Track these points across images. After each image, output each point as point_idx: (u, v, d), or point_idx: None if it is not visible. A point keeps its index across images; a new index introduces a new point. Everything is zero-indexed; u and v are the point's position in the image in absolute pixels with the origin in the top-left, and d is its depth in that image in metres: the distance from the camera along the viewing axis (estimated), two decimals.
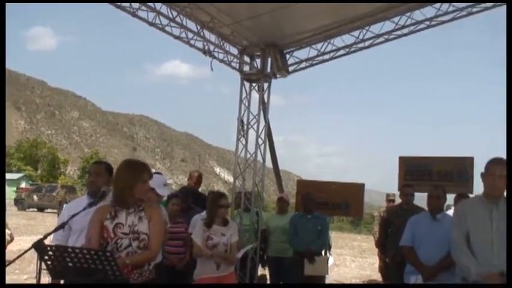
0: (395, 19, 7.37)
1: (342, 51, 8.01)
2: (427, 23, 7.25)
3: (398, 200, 7.79)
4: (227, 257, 5.39)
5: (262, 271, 8.17)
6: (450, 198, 6.35)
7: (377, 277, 11.29)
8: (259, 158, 8.13)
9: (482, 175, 3.97)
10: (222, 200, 5.54)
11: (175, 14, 6.84)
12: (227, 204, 5.57)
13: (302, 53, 8.29)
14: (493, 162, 3.90)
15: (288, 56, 8.20)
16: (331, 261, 8.41)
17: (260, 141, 8.10)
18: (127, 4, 6.44)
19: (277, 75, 8.16)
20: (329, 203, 8.35)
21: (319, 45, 8.04)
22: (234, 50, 7.98)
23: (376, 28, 7.60)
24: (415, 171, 8.12)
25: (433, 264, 5.05)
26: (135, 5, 6.50)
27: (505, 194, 3.92)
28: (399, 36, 7.54)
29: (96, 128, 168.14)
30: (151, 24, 6.76)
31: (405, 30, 7.43)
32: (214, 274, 5.35)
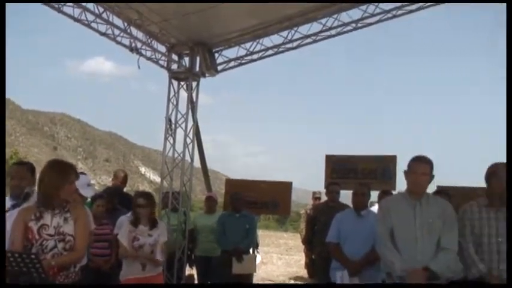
0: (323, 20, 7.51)
1: (270, 51, 8.08)
2: (354, 25, 7.45)
3: (324, 198, 7.96)
4: (151, 258, 5.32)
5: (190, 271, 8.13)
6: (374, 195, 6.55)
7: (303, 273, 11.50)
8: (187, 157, 8.07)
9: (405, 173, 4.08)
10: (138, 200, 5.48)
11: (101, 10, 6.69)
12: (143, 203, 5.43)
13: (231, 52, 8.31)
14: (415, 160, 4.03)
15: (216, 55, 8.19)
16: (258, 259, 8.48)
17: (188, 141, 8.04)
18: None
19: (206, 74, 8.13)
20: (257, 202, 8.43)
21: (248, 45, 8.08)
22: (162, 48, 7.88)
23: (304, 29, 7.73)
24: (341, 169, 8.33)
25: (358, 259, 5.20)
26: None
27: (427, 190, 4.08)
28: (327, 37, 7.70)
29: (16, 127, 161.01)
30: (76, 20, 6.56)
31: (333, 32, 7.59)
32: (140, 275, 5.30)
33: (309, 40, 7.81)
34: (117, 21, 6.95)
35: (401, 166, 5.04)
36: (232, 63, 8.35)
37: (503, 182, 3.97)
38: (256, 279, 9.01)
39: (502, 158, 4.16)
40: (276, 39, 7.93)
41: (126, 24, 7.03)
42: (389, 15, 7.25)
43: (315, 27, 7.65)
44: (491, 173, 4.09)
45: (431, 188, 4.50)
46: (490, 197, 4.07)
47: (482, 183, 4.22)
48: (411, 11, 7.20)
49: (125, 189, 7.72)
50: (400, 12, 7.20)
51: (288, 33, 7.79)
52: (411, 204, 3.98)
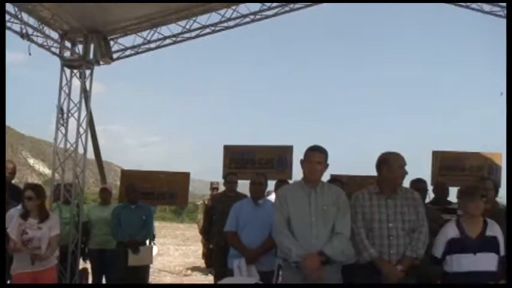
0: (222, 11, 7.57)
1: (168, 40, 8.01)
2: (252, 17, 7.57)
3: (222, 188, 8.01)
4: (37, 252, 5.13)
5: (84, 264, 7.91)
6: (271, 184, 6.67)
7: (201, 264, 11.56)
8: (80, 148, 7.83)
9: (302, 162, 4.21)
10: (26, 192, 5.32)
11: None
12: (32, 196, 5.25)
13: (127, 40, 8.13)
14: (311, 150, 4.16)
15: (112, 42, 7.98)
16: (155, 250, 8.40)
17: (81, 131, 7.80)
18: None
19: (101, 62, 7.91)
20: (154, 193, 8.34)
21: (145, 33, 7.95)
22: (55, 35, 7.55)
23: (203, 19, 7.73)
24: (238, 159, 8.41)
25: (255, 247, 5.30)
26: None
27: (322, 178, 4.23)
28: (225, 28, 7.76)
29: None
30: None
31: (231, 23, 7.67)
32: (30, 269, 5.14)
33: (207, 30, 7.83)
34: (8, 6, 6.58)
35: (297, 156, 5.19)
36: (128, 52, 8.19)
37: (393, 170, 4.19)
38: (153, 271, 8.94)
39: (391, 148, 4.39)
40: (174, 28, 7.88)
41: (16, 9, 6.68)
42: (287, 8, 7.44)
43: (214, 17, 7.69)
44: (382, 161, 4.29)
45: (325, 177, 4.65)
46: (380, 185, 4.26)
47: (373, 172, 4.41)
48: (309, 5, 7.41)
49: (13, 182, 7.35)
50: (298, 6, 7.39)
51: (187, 22, 7.76)
52: (307, 192, 4.12)
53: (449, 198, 6.56)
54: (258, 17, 7.56)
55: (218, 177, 8.59)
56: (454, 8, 7.89)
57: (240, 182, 7.21)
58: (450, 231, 4.17)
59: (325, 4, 7.61)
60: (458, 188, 4.44)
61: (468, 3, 7.55)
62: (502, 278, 4.13)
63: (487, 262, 4.01)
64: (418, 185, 5.86)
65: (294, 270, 4.00)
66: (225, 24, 7.70)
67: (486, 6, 7.59)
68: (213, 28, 7.78)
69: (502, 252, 4.08)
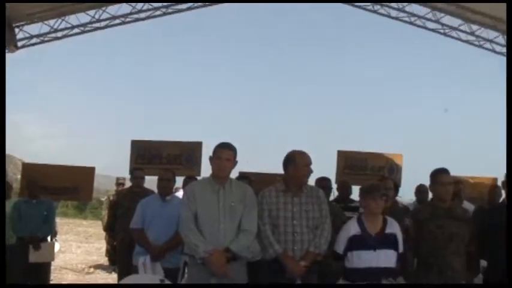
0: (133, 3, 7.45)
1: (76, 30, 7.79)
2: (164, 10, 7.51)
3: (129, 184, 7.87)
4: None
5: None
6: (179, 180, 6.63)
7: (104, 261, 11.28)
8: None
9: (211, 158, 4.21)
10: None
11: None
12: None
13: (33, 28, 7.83)
14: (220, 147, 4.17)
15: (17, 30, 7.67)
16: (57, 247, 8.14)
17: None
18: None
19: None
20: (57, 187, 8.07)
21: (52, 22, 7.69)
22: None
23: (113, 10, 7.58)
24: (146, 154, 8.30)
25: (161, 244, 5.25)
26: None
27: (230, 175, 4.25)
28: (136, 20, 7.66)
29: None
30: None
31: (142, 15, 7.58)
32: None
33: (117, 21, 7.70)
34: None
35: (206, 152, 5.18)
36: (34, 40, 7.89)
37: (299, 168, 4.29)
38: (54, 268, 8.65)
39: (299, 146, 4.48)
40: (83, 17, 7.68)
41: None
42: (200, 3, 7.44)
43: (125, 8, 7.56)
44: (288, 160, 4.37)
45: (234, 173, 4.68)
46: (286, 183, 4.35)
47: (281, 170, 4.48)
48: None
49: None
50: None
51: (96, 12, 7.57)
52: (215, 188, 4.12)
53: (352, 197, 6.79)
54: (170, 10, 7.51)
55: (125, 172, 8.44)
56: (357, 10, 8.21)
57: (147, 178, 7.11)
58: (351, 228, 4.30)
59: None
60: (360, 186, 4.59)
61: (373, 7, 7.86)
62: (400, 274, 4.32)
63: (386, 259, 4.17)
64: (323, 183, 6.03)
65: (200, 266, 3.98)
66: (136, 16, 7.60)
67: (393, 12, 7.94)
68: (123, 19, 7.66)
69: (401, 249, 4.26)
